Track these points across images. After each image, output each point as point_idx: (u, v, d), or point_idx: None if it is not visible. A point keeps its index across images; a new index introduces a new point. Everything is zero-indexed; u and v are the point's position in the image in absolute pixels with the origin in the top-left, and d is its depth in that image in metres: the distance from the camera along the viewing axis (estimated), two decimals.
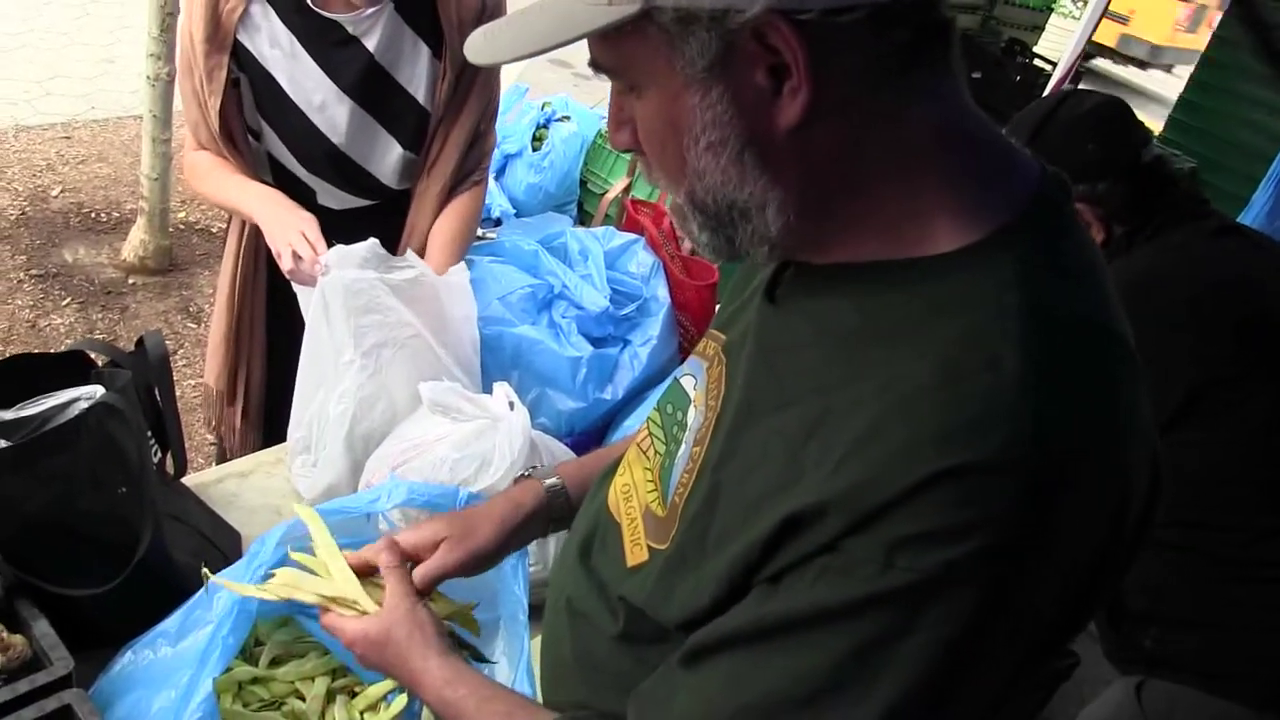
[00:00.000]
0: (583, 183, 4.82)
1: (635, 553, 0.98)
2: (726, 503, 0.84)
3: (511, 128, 4.07)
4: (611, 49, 0.80)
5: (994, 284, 0.74)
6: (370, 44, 1.89)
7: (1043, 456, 0.68)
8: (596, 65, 0.83)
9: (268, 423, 2.20)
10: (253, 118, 1.95)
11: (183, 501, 1.71)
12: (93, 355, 1.60)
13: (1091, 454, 0.71)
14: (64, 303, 3.84)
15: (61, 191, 4.54)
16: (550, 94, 4.77)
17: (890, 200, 0.78)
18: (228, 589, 1.29)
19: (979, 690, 0.73)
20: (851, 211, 0.79)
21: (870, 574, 0.70)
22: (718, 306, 1.26)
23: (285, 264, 1.79)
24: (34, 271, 3.98)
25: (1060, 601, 0.72)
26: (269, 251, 1.98)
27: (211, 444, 2.35)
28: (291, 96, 1.90)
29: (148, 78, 3.92)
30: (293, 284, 1.83)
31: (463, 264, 1.94)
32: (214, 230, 4.07)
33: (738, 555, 0.80)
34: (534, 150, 4.39)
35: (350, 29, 1.88)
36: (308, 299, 1.79)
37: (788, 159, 0.77)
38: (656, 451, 1.01)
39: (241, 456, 2.10)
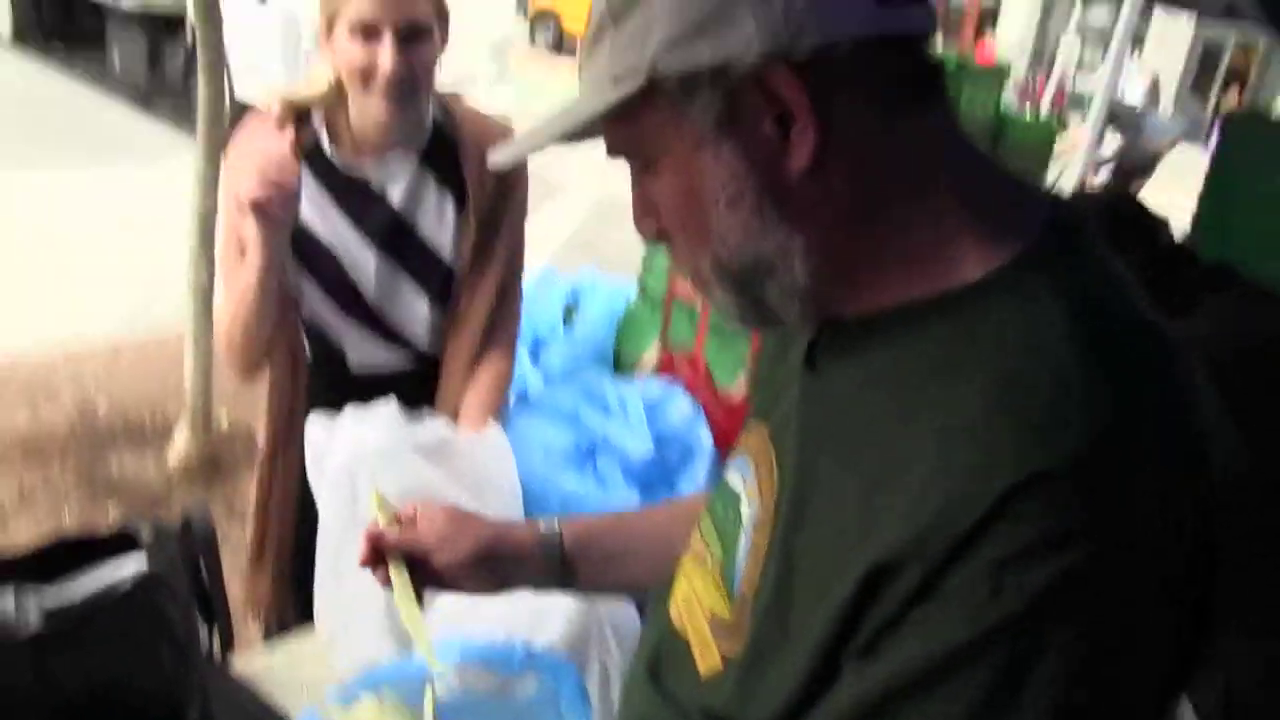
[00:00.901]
0: (616, 354, 4.87)
1: (707, 662, 0.93)
2: (801, 581, 0.80)
3: (542, 309, 4.14)
4: (623, 128, 0.82)
5: (1032, 300, 0.73)
6: (394, 196, 1.95)
7: (1122, 453, 0.66)
8: (613, 149, 0.86)
9: (299, 589, 2.18)
10: (293, 274, 1.98)
11: (229, 682, 1.67)
12: (139, 534, 1.59)
13: (1171, 445, 0.69)
14: (111, 512, 3.87)
15: (109, 405, 4.63)
16: (578, 270, 4.88)
17: (912, 231, 0.79)
18: None
19: (1124, 709, 0.69)
20: (875, 249, 0.79)
21: (979, 606, 0.66)
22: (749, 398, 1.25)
23: (257, 192, 1.72)
24: (82, 485, 4.02)
25: (1172, 604, 0.69)
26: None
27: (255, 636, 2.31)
28: (325, 245, 1.95)
29: (191, 287, 4.04)
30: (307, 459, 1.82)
31: (497, 429, 1.93)
32: (255, 435, 4.11)
33: (822, 629, 0.75)
34: (565, 325, 4.46)
35: (374, 184, 1.94)
36: (318, 471, 1.78)
37: (806, 203, 0.78)
38: (713, 556, 0.97)
39: (273, 627, 2.12)
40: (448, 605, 1.69)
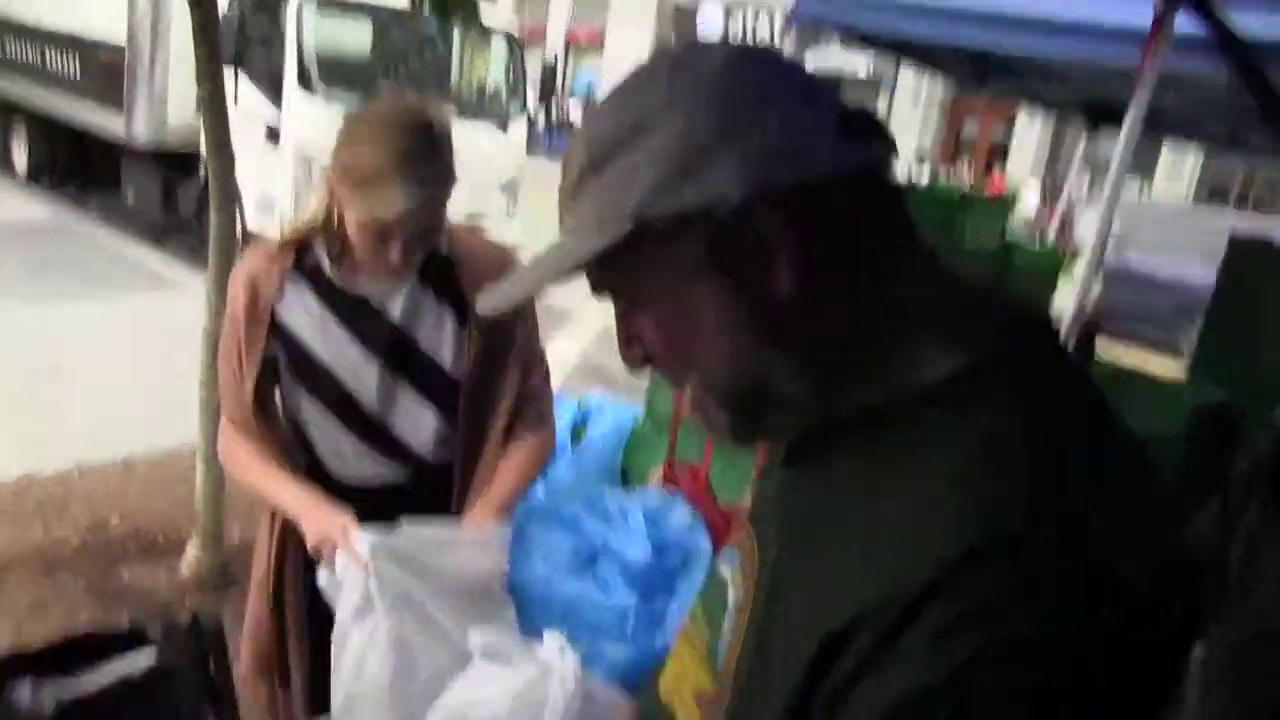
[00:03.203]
0: (623, 473, 4.90)
1: None
2: (774, 652, 0.85)
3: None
4: (608, 271, 0.86)
5: (988, 398, 0.78)
6: (394, 313, 2.03)
7: (1058, 543, 0.70)
8: (597, 287, 0.89)
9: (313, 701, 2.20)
10: (290, 390, 2.06)
11: None
12: (148, 631, 1.64)
13: (1114, 526, 0.73)
14: (123, 618, 3.87)
15: (120, 520, 4.68)
16: (585, 394, 4.95)
17: (885, 341, 0.83)
18: None
19: None
20: (854, 361, 0.84)
21: (920, 665, 0.69)
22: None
23: (326, 556, 1.86)
24: (94, 595, 4.05)
25: (1089, 689, 0.70)
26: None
27: None
28: (326, 363, 2.02)
29: (201, 403, 4.12)
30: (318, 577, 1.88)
31: (495, 526, 1.98)
32: None
33: (788, 694, 0.79)
34: (574, 446, 4.51)
35: (375, 302, 2.02)
36: (330, 585, 1.84)
37: (790, 325, 0.82)
38: (701, 637, 1.02)
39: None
40: (448, 701, 1.73)
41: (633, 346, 0.91)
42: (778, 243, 0.79)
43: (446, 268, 2.07)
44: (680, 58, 0.83)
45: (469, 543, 1.89)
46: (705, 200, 0.78)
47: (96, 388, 6.21)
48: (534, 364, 2.16)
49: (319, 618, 2.09)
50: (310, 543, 1.87)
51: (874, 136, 0.84)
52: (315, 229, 2.01)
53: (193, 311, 6.76)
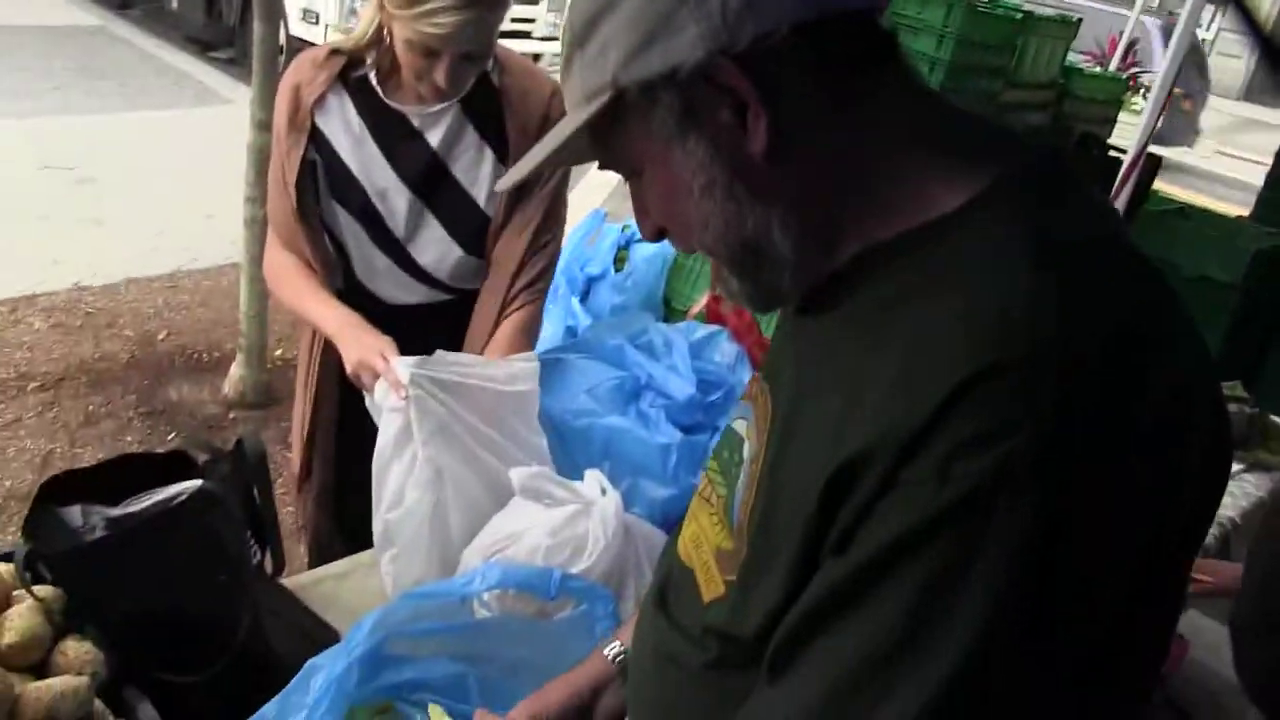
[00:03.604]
0: (666, 301, 4.87)
1: (710, 589, 0.98)
2: (785, 496, 0.85)
3: (593, 251, 4.15)
4: (604, 143, 0.89)
5: (999, 221, 0.78)
6: (433, 139, 1.98)
7: (1073, 348, 0.70)
8: (603, 163, 0.93)
9: (340, 514, 2.25)
10: (326, 201, 2.03)
11: (281, 599, 1.73)
12: (194, 455, 1.65)
13: (1126, 351, 0.71)
14: (169, 437, 3.99)
15: (168, 335, 4.74)
16: (629, 218, 4.88)
17: (881, 185, 0.84)
18: None
19: (1076, 611, 0.70)
20: (848, 208, 0.84)
21: (928, 494, 0.69)
22: None
23: (365, 382, 1.84)
24: (142, 409, 4.14)
25: (1135, 517, 0.70)
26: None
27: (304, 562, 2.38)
28: (359, 179, 1.99)
29: (245, 220, 4.10)
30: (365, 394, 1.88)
31: (531, 357, 1.94)
32: None
33: (799, 534, 0.80)
34: (616, 271, 4.47)
35: (416, 122, 1.97)
36: (375, 407, 1.83)
37: (774, 181, 0.83)
38: (718, 495, 1.03)
39: (315, 545, 2.20)
40: (488, 535, 1.74)
41: (644, 218, 0.95)
42: (746, 99, 0.80)
43: (494, 102, 2.00)
44: None
45: (504, 373, 1.87)
46: (670, 64, 0.80)
47: (143, 201, 6.22)
48: (554, 215, 2.11)
49: (356, 435, 2.12)
50: (349, 368, 1.86)
51: None
52: (364, 46, 1.95)
53: (237, 125, 6.74)
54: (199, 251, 5.59)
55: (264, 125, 3.90)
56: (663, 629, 1.05)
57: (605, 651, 1.33)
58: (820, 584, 0.78)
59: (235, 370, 4.30)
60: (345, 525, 2.23)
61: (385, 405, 1.77)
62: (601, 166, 0.94)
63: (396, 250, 2.04)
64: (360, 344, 1.87)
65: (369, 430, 1.82)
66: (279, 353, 4.64)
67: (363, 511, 1.85)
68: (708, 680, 0.96)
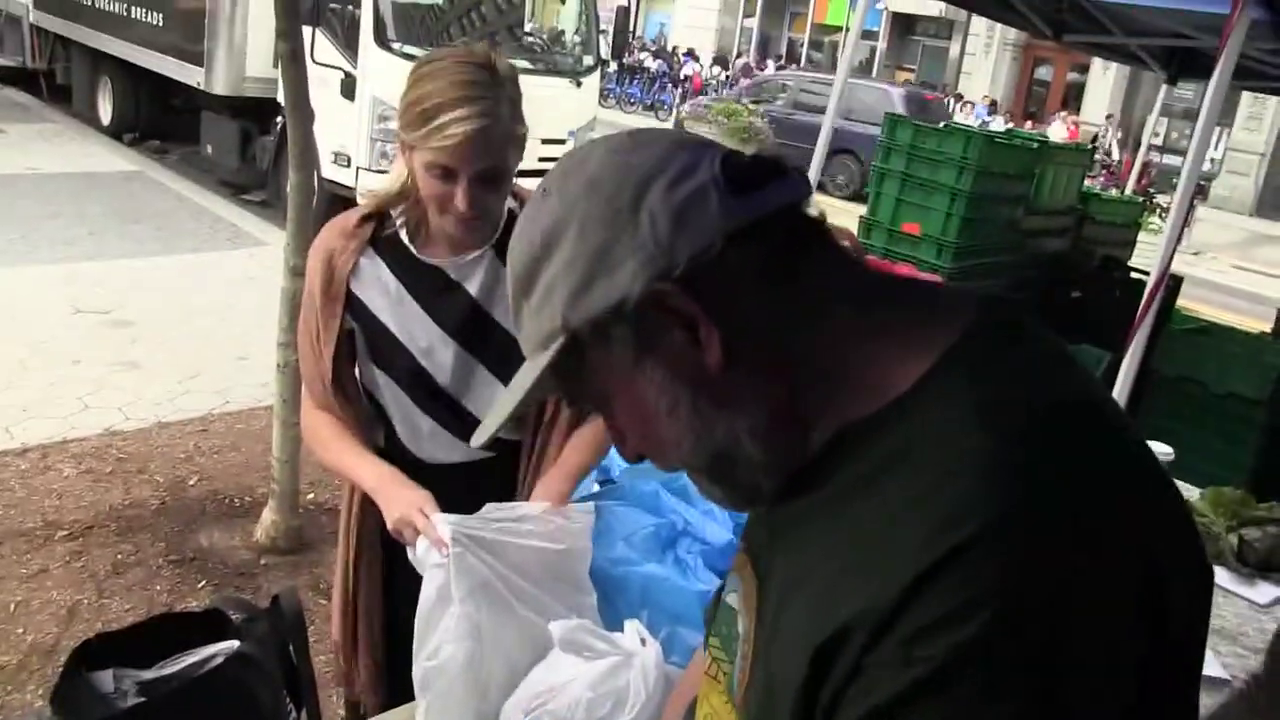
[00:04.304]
0: None
1: None
2: (775, 679, 0.84)
3: None
4: (566, 382, 0.91)
5: (949, 396, 0.78)
6: (472, 288, 1.99)
7: (1029, 523, 0.70)
8: (570, 400, 0.97)
9: (393, 675, 2.20)
10: (366, 367, 2.03)
11: None
12: (230, 615, 1.63)
13: (1085, 516, 0.72)
14: (199, 585, 3.94)
15: (198, 480, 4.75)
16: None
17: (841, 369, 0.84)
18: None
19: None
20: (815, 396, 0.85)
21: (893, 676, 0.70)
22: None
23: (407, 538, 1.82)
24: (172, 557, 4.11)
25: (1103, 662, 0.70)
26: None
27: (342, 716, 2.34)
28: (401, 340, 2.00)
29: (278, 365, 4.14)
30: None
31: (588, 509, 1.93)
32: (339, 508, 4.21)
33: (787, 713, 0.80)
34: None
35: (452, 275, 1.99)
36: (421, 560, 1.82)
37: (735, 388, 0.85)
38: (723, 672, 1.03)
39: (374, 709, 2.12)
40: (527, 688, 1.71)
41: (623, 443, 0.95)
42: (695, 318, 0.82)
43: None
44: (567, 165, 0.89)
45: (554, 526, 1.85)
46: (614, 299, 0.82)
47: (175, 344, 6.29)
48: None
49: (399, 592, 2.11)
50: (390, 524, 1.85)
51: (768, 177, 0.86)
52: (393, 200, 1.98)
53: (268, 267, 6.85)
54: (231, 394, 5.64)
55: (297, 270, 3.96)
56: None
57: None
58: None
59: (267, 515, 4.29)
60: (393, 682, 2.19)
61: (427, 561, 1.76)
62: (570, 404, 0.96)
63: (445, 407, 2.04)
64: (400, 499, 1.86)
65: (414, 589, 1.81)
66: (310, 497, 4.64)
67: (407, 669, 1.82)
68: None
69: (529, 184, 1.97)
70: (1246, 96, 20.01)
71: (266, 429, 4.55)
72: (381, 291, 2.00)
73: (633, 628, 1.74)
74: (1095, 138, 22.44)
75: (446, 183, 1.83)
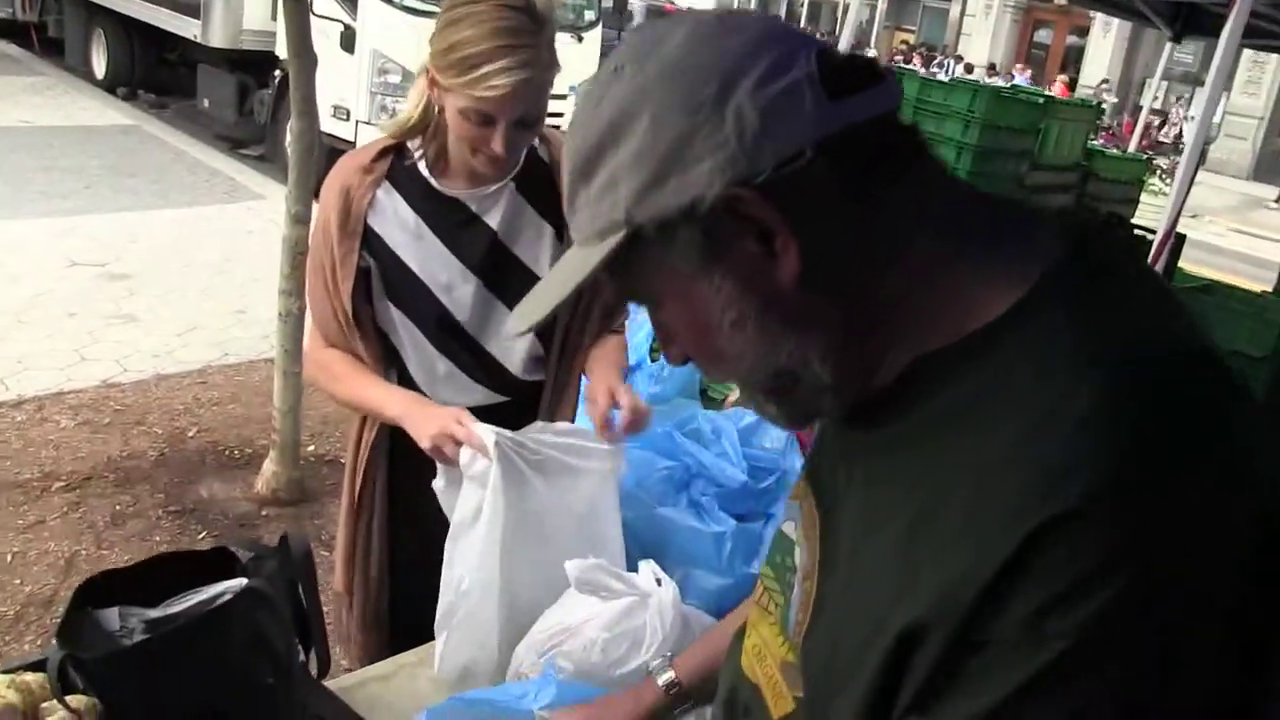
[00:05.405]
0: (703, 391, 4.83)
1: (780, 705, 0.93)
2: (842, 633, 0.80)
3: (628, 341, 4.11)
4: (620, 279, 0.84)
5: (1051, 329, 0.72)
6: (493, 222, 1.94)
7: (1148, 479, 0.64)
8: (619, 294, 0.89)
9: (392, 631, 2.18)
10: (382, 305, 1.98)
11: (328, 703, 1.66)
12: (236, 552, 1.59)
13: (1202, 471, 0.65)
14: (200, 536, 3.91)
15: (198, 432, 4.70)
16: None
17: (915, 295, 0.79)
18: None
19: None
20: (891, 323, 0.80)
21: (1024, 655, 0.65)
22: None
23: (448, 452, 1.77)
24: (172, 508, 4.07)
25: (1224, 626, 0.65)
26: (390, 459, 2.05)
27: (345, 667, 2.31)
28: (420, 277, 1.94)
29: (280, 314, 4.08)
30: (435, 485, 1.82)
31: (619, 450, 1.88)
32: (342, 461, 4.16)
33: (866, 686, 0.75)
34: (652, 361, 4.44)
35: (473, 207, 1.93)
36: (447, 488, 1.78)
37: (807, 307, 0.79)
38: (775, 604, 0.99)
39: (360, 664, 2.10)
40: (541, 629, 1.69)
41: (670, 346, 0.90)
42: (772, 227, 0.76)
43: (545, 176, 1.97)
44: (640, 44, 0.80)
45: (588, 449, 1.82)
46: (686, 199, 0.76)
47: (173, 297, 6.24)
48: None
49: (403, 551, 2.12)
50: (426, 443, 1.78)
51: (865, 82, 0.78)
52: (413, 130, 1.92)
53: (268, 220, 6.78)
54: (229, 347, 5.59)
55: (300, 219, 3.91)
56: None
57: (659, 681, 1.41)
58: None
59: (268, 466, 4.25)
60: (394, 639, 2.16)
61: (469, 471, 1.72)
62: (618, 297, 0.91)
63: (463, 346, 1.99)
64: (435, 415, 1.81)
65: (421, 539, 1.79)
66: (311, 449, 4.60)
67: (410, 622, 1.81)
68: None
69: None
70: (1245, 60, 19.95)
71: (266, 381, 4.51)
72: (400, 227, 1.94)
73: (648, 568, 1.71)
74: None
75: (483, 127, 1.77)
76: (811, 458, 1.02)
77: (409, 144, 1.95)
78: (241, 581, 1.46)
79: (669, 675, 1.42)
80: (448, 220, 1.94)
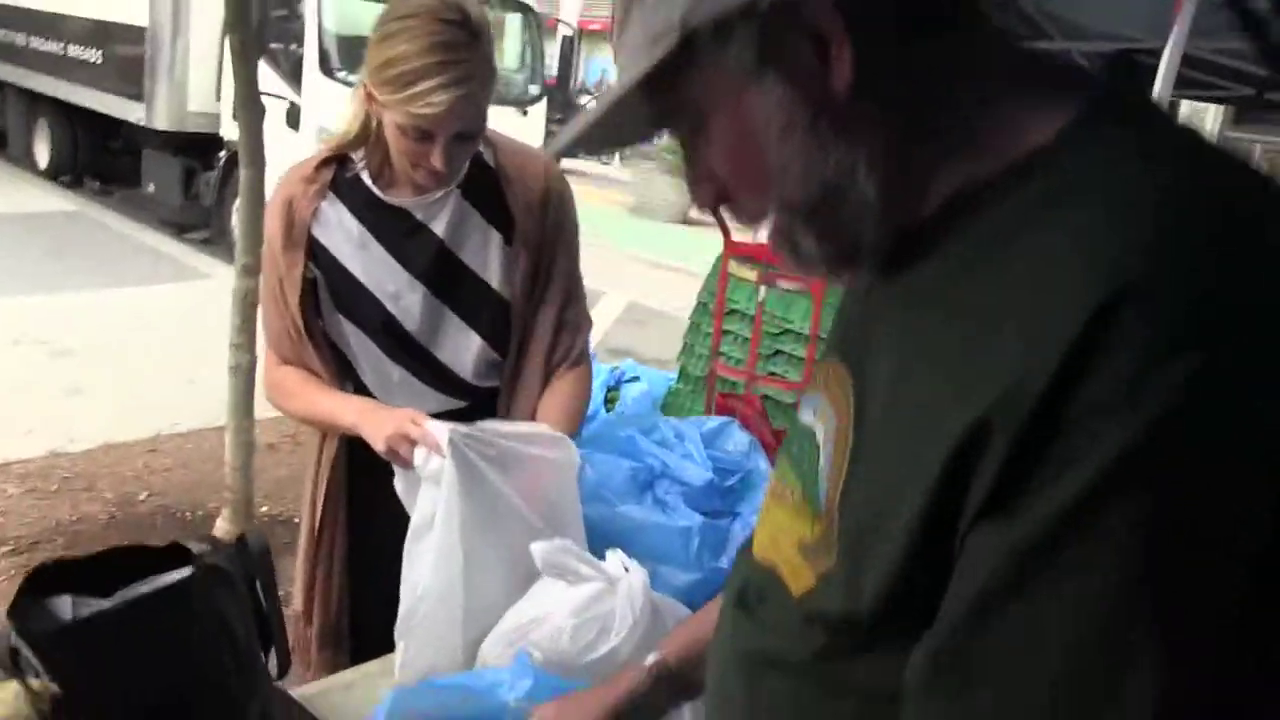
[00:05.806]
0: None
1: (799, 583, 0.88)
2: (888, 462, 0.76)
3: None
4: (668, 91, 0.81)
5: (1107, 140, 0.71)
6: (439, 229, 1.92)
7: (1231, 244, 0.63)
8: (659, 120, 0.86)
9: (353, 649, 2.13)
10: (332, 317, 1.96)
11: (286, 707, 1.61)
12: (191, 548, 1.54)
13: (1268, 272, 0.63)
14: None
15: (148, 496, 4.62)
16: (620, 360, 4.89)
17: (972, 117, 0.78)
18: None
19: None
20: (939, 143, 0.79)
21: (1114, 429, 0.60)
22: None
23: (403, 454, 1.75)
24: None
25: None
26: (349, 471, 2.02)
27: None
28: (367, 286, 1.92)
29: (229, 367, 4.03)
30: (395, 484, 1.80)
31: (571, 444, 1.86)
32: (296, 521, 4.11)
33: (919, 500, 0.70)
34: (608, 411, 4.43)
35: (419, 215, 1.92)
36: (407, 489, 1.76)
37: (857, 118, 0.77)
38: (793, 491, 0.94)
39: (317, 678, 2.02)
40: (510, 621, 1.66)
41: (702, 184, 0.87)
42: (830, 32, 0.74)
43: (491, 182, 1.96)
44: None
45: (544, 438, 1.80)
46: None
47: (121, 371, 6.15)
48: (575, 293, 2.05)
49: (364, 566, 2.08)
50: (381, 446, 1.76)
51: None
52: (353, 143, 1.91)
53: (215, 299, 6.73)
54: (179, 415, 5.50)
55: (249, 270, 3.88)
56: (751, 632, 0.95)
57: (644, 662, 1.36)
58: (986, 565, 0.67)
59: (220, 525, 4.16)
60: (355, 657, 2.10)
61: (424, 471, 1.69)
62: (657, 124, 0.87)
63: (414, 355, 1.97)
64: (389, 417, 1.79)
65: (383, 560, 1.77)
66: (265, 509, 4.53)
67: (372, 638, 1.80)
68: (813, 674, 0.86)
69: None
70: (1185, 110, 20.36)
71: (218, 448, 4.44)
72: (345, 237, 1.92)
73: (615, 557, 1.68)
74: None
75: (422, 143, 1.76)
76: (833, 337, 1.00)
77: (352, 154, 1.94)
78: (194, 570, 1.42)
79: (654, 655, 1.36)
80: (393, 229, 1.92)
